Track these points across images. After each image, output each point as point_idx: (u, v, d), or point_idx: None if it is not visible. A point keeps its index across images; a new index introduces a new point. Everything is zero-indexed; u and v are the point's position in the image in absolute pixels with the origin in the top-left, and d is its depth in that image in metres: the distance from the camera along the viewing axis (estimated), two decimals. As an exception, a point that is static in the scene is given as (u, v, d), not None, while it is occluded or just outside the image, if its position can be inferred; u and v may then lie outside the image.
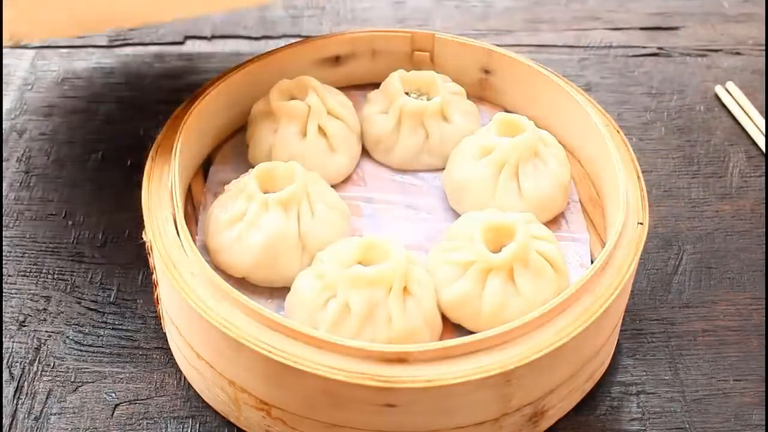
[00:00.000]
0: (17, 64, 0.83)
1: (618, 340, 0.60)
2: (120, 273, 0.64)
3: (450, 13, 0.91)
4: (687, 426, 0.57)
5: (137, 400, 0.57)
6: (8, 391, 0.57)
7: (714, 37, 0.89)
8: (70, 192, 0.70)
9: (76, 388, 0.58)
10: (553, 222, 0.62)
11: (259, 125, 0.63)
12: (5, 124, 0.76)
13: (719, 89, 0.82)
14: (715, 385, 0.59)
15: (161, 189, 0.57)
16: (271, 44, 0.85)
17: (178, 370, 0.59)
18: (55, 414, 0.56)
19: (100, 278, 0.64)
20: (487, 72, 0.69)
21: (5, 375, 0.58)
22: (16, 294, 0.63)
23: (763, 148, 0.76)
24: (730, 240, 0.69)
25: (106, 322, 0.61)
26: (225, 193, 0.59)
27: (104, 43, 0.85)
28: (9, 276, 0.64)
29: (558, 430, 0.56)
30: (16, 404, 0.57)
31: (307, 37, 0.69)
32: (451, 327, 0.55)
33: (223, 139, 0.66)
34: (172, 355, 0.59)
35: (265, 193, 0.57)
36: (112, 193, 0.70)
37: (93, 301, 0.62)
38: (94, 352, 0.60)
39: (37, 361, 0.59)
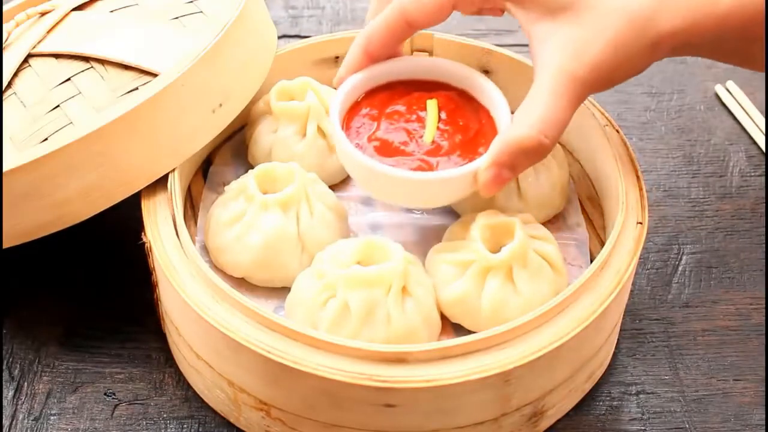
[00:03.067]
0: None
1: (618, 340, 0.60)
2: (119, 273, 0.64)
3: (450, 13, 0.91)
4: (687, 426, 0.57)
5: (137, 400, 0.57)
6: (8, 391, 0.57)
7: (714, 37, 0.89)
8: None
9: (76, 388, 0.58)
10: (552, 222, 0.61)
11: (259, 126, 0.63)
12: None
13: (719, 88, 0.81)
14: (715, 385, 0.59)
15: (161, 189, 0.57)
16: (271, 44, 0.85)
17: (178, 371, 0.59)
18: (55, 414, 0.56)
19: (100, 278, 0.64)
20: (487, 72, 0.69)
21: (5, 375, 0.58)
22: (16, 294, 0.63)
23: (763, 148, 0.76)
24: (730, 240, 0.68)
25: (105, 323, 0.61)
26: (225, 194, 0.59)
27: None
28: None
29: (558, 430, 0.56)
30: (16, 404, 0.57)
31: (307, 38, 0.69)
32: (451, 327, 0.55)
33: (222, 139, 0.66)
34: (172, 355, 0.59)
35: (264, 193, 0.57)
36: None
37: (93, 301, 0.62)
38: (94, 353, 0.60)
39: (37, 362, 0.59)
